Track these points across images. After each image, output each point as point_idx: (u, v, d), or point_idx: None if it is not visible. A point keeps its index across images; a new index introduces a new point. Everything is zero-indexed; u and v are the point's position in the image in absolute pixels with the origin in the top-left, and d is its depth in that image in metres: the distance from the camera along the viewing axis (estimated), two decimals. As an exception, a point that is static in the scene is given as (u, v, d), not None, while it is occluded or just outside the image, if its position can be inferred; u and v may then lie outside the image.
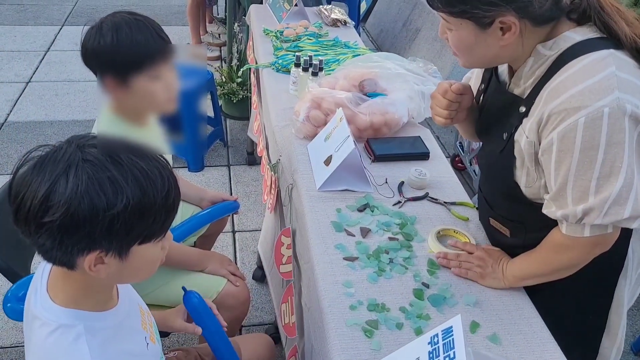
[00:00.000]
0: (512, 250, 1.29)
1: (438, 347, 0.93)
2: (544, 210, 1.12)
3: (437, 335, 0.95)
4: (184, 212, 1.80)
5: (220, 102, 3.39)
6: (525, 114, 1.11)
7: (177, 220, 1.73)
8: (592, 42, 1.05)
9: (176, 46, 1.39)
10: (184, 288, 1.20)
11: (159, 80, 1.36)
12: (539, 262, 1.19)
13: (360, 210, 1.48)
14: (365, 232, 1.40)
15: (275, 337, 2.09)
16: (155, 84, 1.36)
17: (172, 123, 3.20)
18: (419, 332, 1.15)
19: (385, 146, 1.72)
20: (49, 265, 0.95)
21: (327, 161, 1.57)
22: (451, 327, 0.94)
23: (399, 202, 1.52)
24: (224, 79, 3.37)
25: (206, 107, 3.21)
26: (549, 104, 1.04)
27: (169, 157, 1.63)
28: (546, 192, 1.13)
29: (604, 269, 1.22)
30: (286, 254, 1.54)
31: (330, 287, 1.25)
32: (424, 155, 1.71)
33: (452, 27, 1.10)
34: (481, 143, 1.39)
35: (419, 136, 1.79)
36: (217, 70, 3.47)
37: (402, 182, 1.59)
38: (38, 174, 0.80)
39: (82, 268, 0.84)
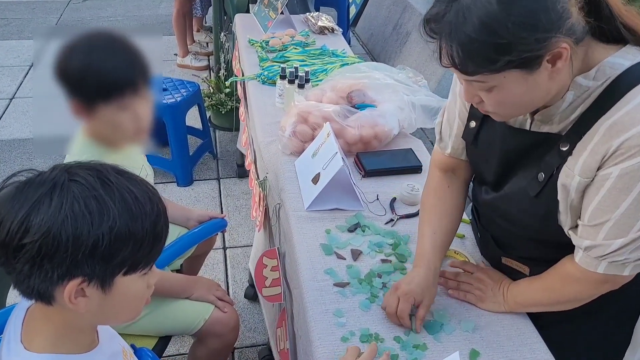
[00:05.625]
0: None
1: (435, 388, 0.87)
2: (572, 238, 1.04)
3: (434, 373, 0.89)
4: (170, 234, 1.72)
5: (209, 113, 3.32)
6: (569, 152, 0.98)
7: (162, 243, 1.66)
8: None
9: (151, 76, 1.31)
10: (132, 346, 1.11)
11: (127, 111, 1.28)
12: (543, 289, 1.12)
13: (350, 231, 1.41)
14: (356, 254, 1.34)
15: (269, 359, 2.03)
16: (123, 115, 1.27)
17: (159, 137, 3.16)
18: (415, 364, 1.08)
19: (375, 160, 1.65)
20: (22, 313, 0.88)
21: (315, 179, 1.50)
22: (449, 365, 0.87)
23: (392, 219, 1.46)
24: (211, 90, 3.30)
25: (194, 118, 3.15)
26: (615, 138, 0.92)
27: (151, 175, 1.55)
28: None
29: (625, 307, 1.16)
30: (270, 276, 1.47)
31: (321, 316, 1.18)
32: (416, 169, 1.64)
33: (493, 85, 0.92)
34: (477, 190, 1.24)
35: (411, 148, 1.73)
36: (205, 81, 3.40)
37: (394, 198, 1.53)
38: (20, 196, 0.76)
39: (61, 302, 0.78)
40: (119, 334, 1.53)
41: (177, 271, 1.76)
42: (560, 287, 1.09)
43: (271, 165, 1.71)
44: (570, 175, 0.99)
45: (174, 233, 1.74)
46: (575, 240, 1.03)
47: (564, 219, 1.04)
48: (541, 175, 1.03)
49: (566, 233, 1.06)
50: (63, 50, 1.25)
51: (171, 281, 1.53)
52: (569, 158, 0.99)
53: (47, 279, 0.76)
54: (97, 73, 1.21)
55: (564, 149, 0.99)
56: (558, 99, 0.97)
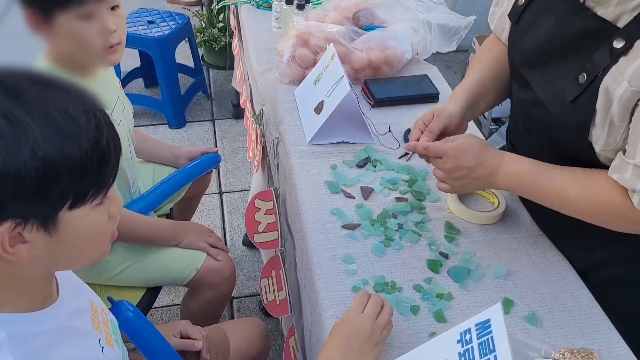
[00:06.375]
0: (557, 224, 1.03)
1: (471, 348, 0.70)
2: (613, 175, 0.85)
3: (469, 330, 0.72)
4: (158, 176, 1.55)
5: (201, 51, 3.08)
6: (624, 52, 0.80)
7: (148, 184, 1.49)
8: None
9: None
10: (110, 299, 0.95)
11: (91, 21, 1.07)
12: (572, 200, 0.91)
13: (359, 167, 1.23)
14: (367, 192, 1.16)
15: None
16: (87, 26, 1.07)
17: (147, 76, 2.94)
18: (439, 316, 0.93)
19: (386, 88, 1.45)
20: None
21: (318, 108, 1.30)
22: (488, 320, 0.71)
23: (406, 153, 1.27)
24: (203, 25, 3.05)
25: (185, 56, 2.92)
26: None
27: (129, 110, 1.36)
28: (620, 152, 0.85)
29: None
30: (264, 220, 1.30)
31: (327, 263, 1.01)
32: (432, 97, 1.45)
33: None
34: (515, 86, 1.06)
35: (426, 75, 1.52)
36: (196, 15, 3.14)
37: (409, 130, 1.34)
38: None
39: None
40: (103, 285, 1.40)
41: (167, 216, 1.60)
42: (598, 212, 0.90)
43: (267, 96, 1.51)
44: (618, 80, 0.80)
45: (163, 174, 1.56)
46: (624, 182, 0.84)
47: (597, 135, 0.86)
48: (582, 77, 0.85)
49: (597, 154, 0.88)
50: None
51: (156, 227, 1.36)
52: (622, 59, 0.80)
53: None
54: None
55: (618, 46, 0.80)
56: None
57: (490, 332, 0.69)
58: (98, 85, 1.21)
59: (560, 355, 0.87)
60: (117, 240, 1.31)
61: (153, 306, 1.87)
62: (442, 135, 1.06)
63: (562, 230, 1.05)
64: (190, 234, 1.37)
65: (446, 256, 1.03)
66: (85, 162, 0.61)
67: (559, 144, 0.94)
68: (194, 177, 1.56)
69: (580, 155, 0.92)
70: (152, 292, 1.40)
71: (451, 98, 1.11)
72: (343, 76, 1.25)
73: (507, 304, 0.96)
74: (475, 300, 0.96)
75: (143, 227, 1.30)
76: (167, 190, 1.45)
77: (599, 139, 0.85)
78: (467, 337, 0.71)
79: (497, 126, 2.56)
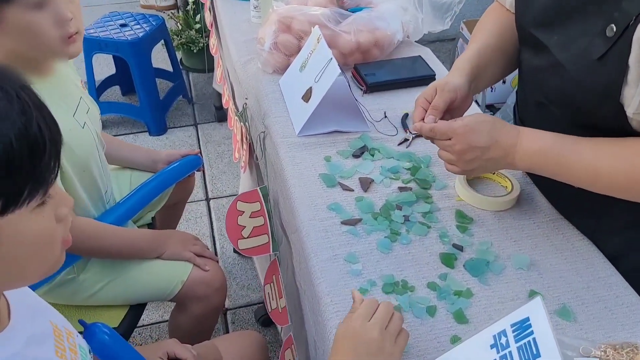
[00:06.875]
0: (580, 205, 0.93)
1: (509, 354, 0.59)
2: None
3: (504, 333, 0.61)
4: (136, 183, 1.42)
5: (180, 55, 2.96)
6: None
7: (126, 193, 1.36)
8: None
9: None
10: (82, 322, 0.83)
11: (44, 10, 0.95)
12: (605, 175, 0.80)
13: (356, 156, 1.12)
14: (366, 183, 1.04)
15: (266, 320, 1.77)
16: (39, 16, 0.95)
17: (123, 83, 2.81)
18: (460, 317, 0.81)
19: (378, 72, 1.34)
20: None
21: (307, 96, 1.19)
22: (527, 319, 0.60)
23: (405, 140, 1.16)
24: (180, 27, 2.92)
25: (163, 60, 2.80)
26: None
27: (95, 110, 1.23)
28: None
29: None
30: (250, 224, 1.17)
31: (328, 264, 0.89)
32: (428, 79, 1.34)
33: None
34: (526, 54, 0.95)
35: (420, 56, 1.41)
36: (172, 17, 3.01)
37: (406, 115, 1.23)
38: None
39: None
40: (81, 306, 1.27)
41: (149, 226, 1.47)
42: (627, 187, 0.80)
43: (250, 89, 1.39)
44: None
45: (142, 180, 1.43)
46: None
47: (630, 95, 0.75)
48: (611, 30, 0.74)
49: (629, 119, 0.77)
50: None
51: (134, 239, 1.22)
52: None
53: None
54: None
55: None
56: None
57: (532, 332, 0.58)
58: (57, 84, 1.09)
59: (602, 353, 0.76)
60: (88, 256, 1.20)
61: (140, 324, 1.76)
62: (447, 112, 0.95)
63: (587, 212, 0.94)
64: (173, 243, 1.24)
65: (460, 248, 0.92)
66: (10, 155, 0.49)
67: (582, 113, 0.83)
68: (174, 182, 1.44)
69: (607, 124, 0.81)
70: (136, 309, 1.27)
71: (453, 70, 1.00)
72: (332, 58, 1.14)
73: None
74: (498, 295, 0.85)
75: (117, 240, 1.17)
76: (144, 197, 1.33)
77: (633, 99, 0.74)
78: (503, 340, 0.60)
79: (491, 112, 2.47)
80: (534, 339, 0.57)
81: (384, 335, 0.70)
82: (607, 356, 0.76)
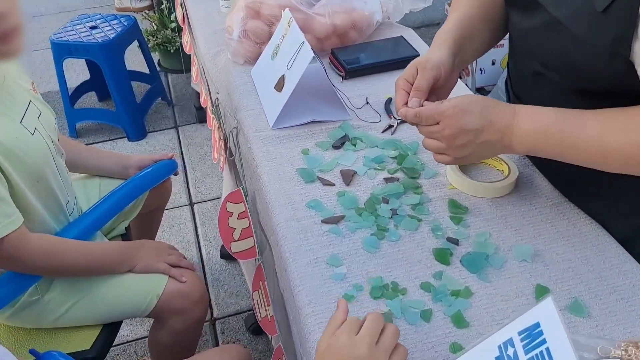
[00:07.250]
0: (585, 185, 0.84)
1: (520, 366, 0.49)
2: None
3: (510, 342, 0.51)
4: (105, 192, 1.31)
5: (157, 56, 2.85)
6: None
7: (94, 201, 1.26)
8: None
9: None
10: (33, 352, 0.73)
11: None
12: (614, 151, 0.70)
13: (336, 147, 1.02)
14: (348, 176, 0.95)
15: (257, 329, 1.68)
16: None
17: (99, 88, 2.70)
18: (459, 320, 0.72)
19: (357, 56, 1.24)
20: None
21: (279, 85, 1.09)
22: (537, 324, 0.50)
23: (390, 126, 1.06)
24: (155, 27, 2.82)
25: (138, 62, 2.69)
26: None
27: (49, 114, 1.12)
28: None
29: None
30: (238, 226, 1.08)
31: (308, 269, 0.80)
32: (412, 60, 1.24)
33: None
34: (516, 17, 0.85)
35: (402, 36, 1.32)
36: (146, 17, 2.90)
37: (390, 99, 1.13)
38: None
39: None
40: (50, 329, 1.16)
41: (123, 237, 1.37)
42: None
43: (221, 82, 1.29)
44: None
45: (111, 188, 1.32)
46: None
47: None
48: None
49: None
50: None
51: (98, 254, 1.12)
52: None
53: None
54: None
55: None
56: None
57: (544, 341, 0.48)
58: (4, 88, 0.98)
59: (623, 352, 0.66)
60: (50, 276, 1.09)
61: (125, 340, 1.67)
62: (431, 92, 0.85)
63: (594, 193, 0.85)
64: (144, 255, 1.14)
65: (456, 242, 0.82)
66: None
67: (584, 77, 0.74)
68: (148, 188, 1.33)
69: (614, 87, 0.71)
70: (110, 328, 1.17)
71: (434, 44, 0.90)
72: (304, 42, 1.04)
73: (541, 292, 0.75)
74: (501, 293, 0.75)
75: (80, 256, 1.06)
76: (113, 207, 1.22)
77: None
78: (510, 351, 0.50)
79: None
80: (547, 349, 0.47)
81: (373, 351, 0.60)
82: (630, 356, 0.66)
